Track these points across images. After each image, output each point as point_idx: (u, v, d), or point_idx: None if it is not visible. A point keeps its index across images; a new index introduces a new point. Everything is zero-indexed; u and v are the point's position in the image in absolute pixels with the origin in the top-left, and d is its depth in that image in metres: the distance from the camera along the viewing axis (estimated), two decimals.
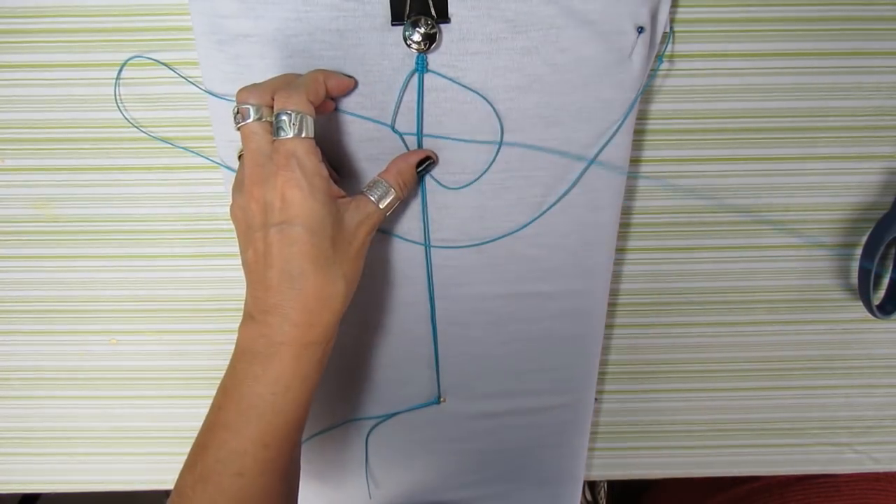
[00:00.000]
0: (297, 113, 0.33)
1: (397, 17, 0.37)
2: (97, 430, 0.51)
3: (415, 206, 0.42)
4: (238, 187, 0.35)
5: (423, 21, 0.37)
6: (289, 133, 0.33)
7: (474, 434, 0.49)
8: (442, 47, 0.38)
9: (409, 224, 0.42)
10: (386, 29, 0.38)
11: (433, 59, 0.38)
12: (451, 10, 0.37)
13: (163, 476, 0.53)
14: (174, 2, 0.40)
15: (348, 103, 0.39)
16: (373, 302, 0.44)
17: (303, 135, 0.33)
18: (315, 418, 0.48)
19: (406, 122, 0.40)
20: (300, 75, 0.36)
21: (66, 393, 0.50)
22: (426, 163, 0.40)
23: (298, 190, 0.33)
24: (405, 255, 0.43)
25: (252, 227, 0.34)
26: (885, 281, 0.48)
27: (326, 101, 0.37)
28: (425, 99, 0.39)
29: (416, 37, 0.37)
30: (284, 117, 0.33)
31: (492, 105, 0.39)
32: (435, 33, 0.37)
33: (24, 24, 0.41)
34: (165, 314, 0.48)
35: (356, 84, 0.38)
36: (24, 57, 0.41)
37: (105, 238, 0.46)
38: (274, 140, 0.34)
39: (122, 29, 0.41)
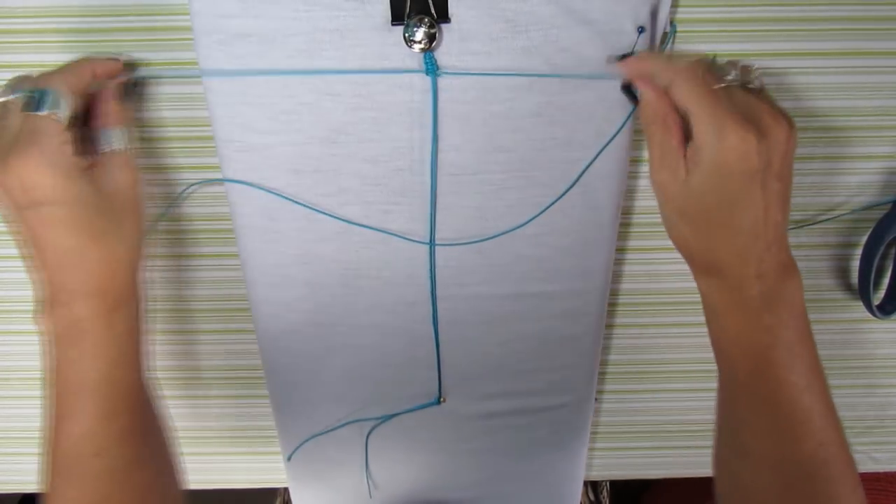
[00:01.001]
0: (52, 91, 0.33)
1: (397, 17, 0.37)
2: None
3: (416, 207, 0.42)
4: None
5: (423, 21, 0.37)
6: (41, 111, 0.32)
7: (474, 434, 0.49)
8: (442, 47, 0.38)
9: (410, 225, 0.42)
10: (386, 29, 0.38)
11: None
12: (451, 9, 0.37)
13: None
14: (174, 2, 0.40)
15: (350, 107, 0.39)
16: (373, 302, 0.44)
17: (51, 113, 0.32)
18: (315, 418, 0.48)
19: (405, 123, 0.40)
20: (74, 61, 0.36)
21: None
22: (125, 89, 0.38)
23: (43, 171, 0.31)
24: (406, 256, 0.43)
25: (8, 210, 0.33)
26: (885, 281, 0.48)
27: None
28: (424, 99, 0.39)
29: (417, 37, 0.37)
30: (37, 94, 0.32)
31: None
32: (435, 33, 0.37)
33: (25, 25, 0.41)
34: (165, 314, 0.48)
35: (122, 67, 0.38)
36: (24, 57, 0.41)
37: None
38: (22, 115, 0.33)
39: (122, 29, 0.41)
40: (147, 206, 0.36)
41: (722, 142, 0.31)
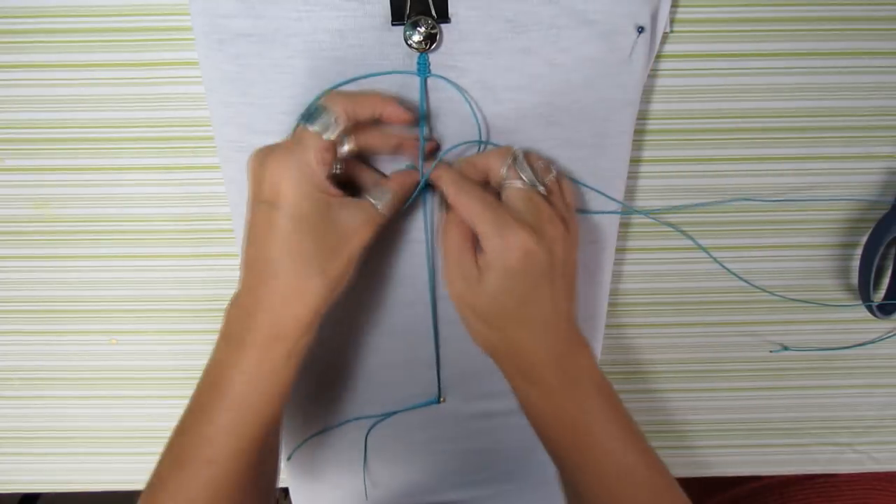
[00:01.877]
0: (330, 112, 0.34)
1: (397, 17, 0.37)
2: (97, 430, 0.51)
3: (416, 207, 0.42)
4: (256, 150, 0.35)
5: (423, 21, 0.37)
6: (312, 126, 0.34)
7: (474, 434, 0.49)
8: (442, 47, 0.38)
9: (410, 224, 0.42)
10: (386, 29, 0.38)
11: (433, 59, 0.38)
12: (451, 10, 0.37)
13: None
14: (174, 2, 0.40)
15: None
16: (373, 302, 0.44)
17: (324, 134, 0.34)
18: (315, 418, 0.48)
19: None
20: (370, 93, 0.37)
21: (66, 393, 0.50)
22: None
23: (287, 176, 0.33)
24: (406, 255, 0.43)
25: (251, 194, 0.34)
26: (886, 281, 0.48)
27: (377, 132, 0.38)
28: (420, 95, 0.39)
29: (417, 37, 0.37)
30: (318, 111, 0.34)
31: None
32: (435, 33, 0.37)
33: (24, 24, 0.41)
34: (165, 314, 0.48)
35: (411, 120, 0.38)
36: (24, 57, 0.41)
37: (105, 238, 0.46)
38: (296, 126, 0.34)
39: (122, 29, 0.41)
40: (357, 267, 0.36)
41: (506, 246, 0.34)
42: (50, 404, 0.51)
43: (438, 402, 0.47)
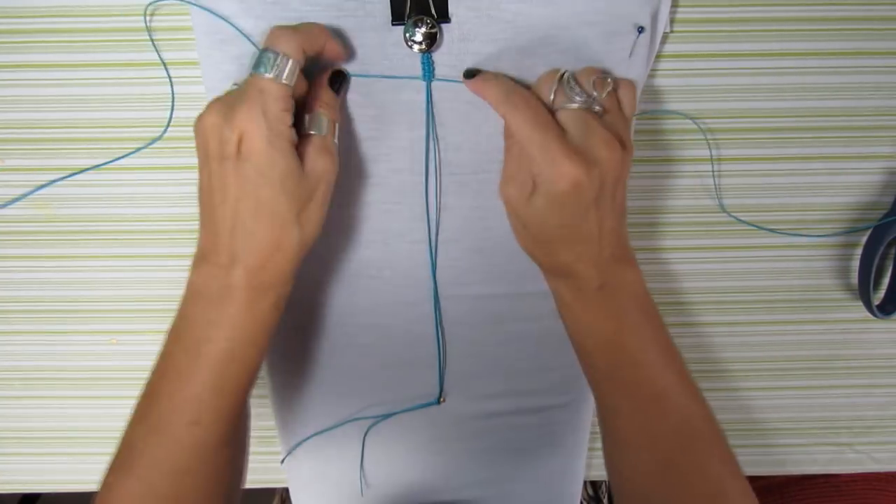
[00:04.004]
0: (284, 56, 0.33)
1: (398, 17, 0.37)
2: (97, 430, 0.51)
3: (416, 207, 0.42)
4: (211, 104, 0.34)
5: (423, 21, 0.37)
6: (267, 73, 0.32)
7: (474, 434, 0.49)
8: (443, 47, 0.38)
9: (410, 224, 0.42)
10: (386, 29, 0.38)
11: (433, 59, 0.38)
12: (451, 10, 0.37)
13: None
14: (175, 2, 0.40)
15: (350, 106, 0.39)
16: (373, 302, 0.44)
17: (280, 79, 0.33)
18: (315, 419, 0.48)
19: (405, 123, 0.40)
20: (312, 25, 0.35)
21: (66, 393, 0.50)
22: (339, 79, 0.38)
23: (258, 132, 0.32)
24: (406, 255, 0.43)
25: (209, 154, 0.33)
26: (885, 281, 0.48)
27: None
28: (424, 99, 0.39)
29: (417, 37, 0.37)
30: (270, 55, 0.33)
31: None
32: (435, 33, 0.37)
33: (24, 24, 0.41)
34: (165, 314, 0.48)
35: (347, 55, 0.38)
36: (24, 57, 0.41)
37: (105, 238, 0.46)
38: (250, 74, 0.33)
39: (122, 29, 0.41)
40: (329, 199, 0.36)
41: (553, 174, 0.33)
42: (50, 404, 0.50)
43: (439, 402, 0.47)
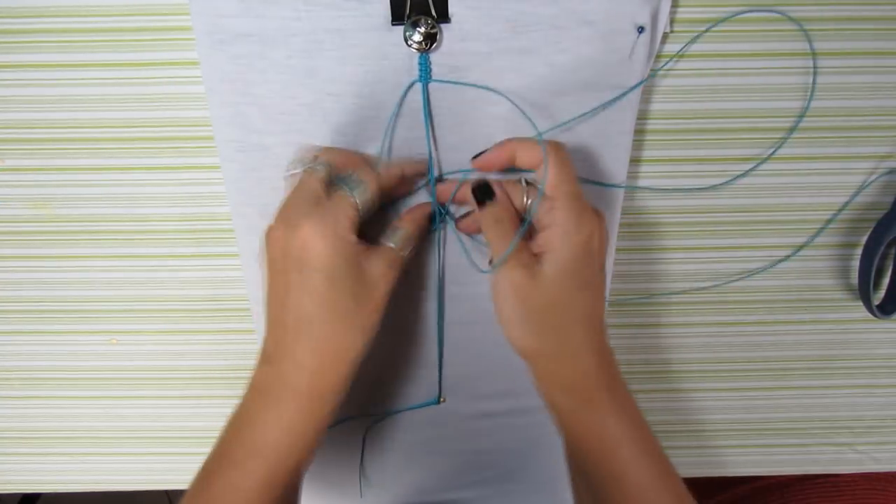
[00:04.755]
0: (361, 182, 0.35)
1: (397, 17, 0.37)
2: (97, 430, 0.51)
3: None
4: (276, 217, 0.35)
5: (423, 21, 0.37)
6: (346, 191, 0.35)
7: (474, 434, 0.49)
8: (443, 47, 0.38)
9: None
10: (386, 29, 0.38)
11: (433, 59, 0.38)
12: (451, 10, 0.37)
13: (163, 476, 0.53)
14: (174, 2, 0.40)
15: (349, 105, 0.39)
16: None
17: (353, 196, 0.35)
18: None
19: (405, 123, 0.40)
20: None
21: (66, 393, 0.50)
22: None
23: (321, 238, 0.33)
24: (414, 256, 0.43)
25: (275, 264, 0.35)
26: (885, 281, 0.48)
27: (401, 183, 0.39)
28: (423, 99, 0.39)
29: (417, 37, 0.37)
30: (348, 176, 0.35)
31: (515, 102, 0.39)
32: (435, 33, 0.37)
33: (24, 24, 0.41)
34: (165, 314, 0.48)
35: (428, 165, 0.40)
36: (24, 57, 0.41)
37: (105, 238, 0.46)
38: (337, 186, 0.35)
39: (122, 29, 0.41)
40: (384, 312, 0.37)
41: (580, 228, 0.34)
42: (50, 404, 0.51)
43: (438, 402, 0.47)
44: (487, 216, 0.37)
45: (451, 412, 0.48)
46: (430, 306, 0.44)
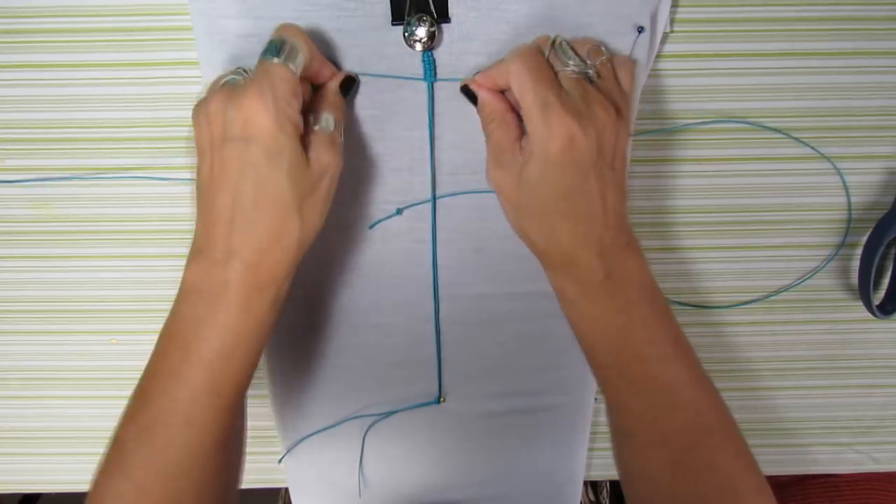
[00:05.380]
0: (293, 45, 0.33)
1: (397, 17, 0.37)
2: (97, 430, 0.51)
3: (417, 207, 0.42)
4: (210, 91, 0.34)
5: (423, 21, 0.37)
6: (276, 58, 0.32)
7: (474, 434, 0.49)
8: (443, 47, 0.38)
9: (411, 224, 0.42)
10: (386, 28, 0.38)
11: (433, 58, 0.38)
12: (451, 9, 0.37)
13: None
14: (174, 2, 0.40)
15: (351, 105, 0.39)
16: (373, 302, 0.44)
17: (289, 64, 0.32)
18: (315, 419, 0.48)
19: (405, 122, 0.40)
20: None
21: (66, 393, 0.50)
22: (349, 84, 0.38)
23: (264, 111, 0.31)
24: (407, 255, 0.43)
25: (213, 139, 0.33)
26: (886, 281, 0.48)
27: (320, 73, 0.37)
28: (424, 98, 0.39)
29: (417, 36, 0.37)
30: (279, 42, 0.32)
31: None
32: (435, 33, 0.37)
33: (24, 24, 0.41)
34: (165, 314, 0.48)
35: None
36: (24, 57, 0.41)
37: (105, 238, 0.46)
38: (259, 60, 0.33)
39: (122, 29, 0.41)
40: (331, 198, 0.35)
41: (549, 131, 0.32)
42: (50, 404, 0.50)
43: (439, 402, 0.47)
44: (481, 114, 0.37)
45: (451, 412, 0.48)
46: (429, 305, 0.44)
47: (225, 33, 0.38)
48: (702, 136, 0.44)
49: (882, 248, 0.44)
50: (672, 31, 0.41)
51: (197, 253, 0.34)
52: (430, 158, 0.40)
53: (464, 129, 0.40)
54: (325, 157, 0.34)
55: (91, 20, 0.41)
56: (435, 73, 0.38)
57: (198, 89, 0.42)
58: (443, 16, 0.37)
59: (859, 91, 0.43)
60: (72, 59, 0.41)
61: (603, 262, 0.34)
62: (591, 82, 0.34)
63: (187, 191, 0.44)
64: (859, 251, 0.46)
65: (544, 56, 0.35)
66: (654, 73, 0.42)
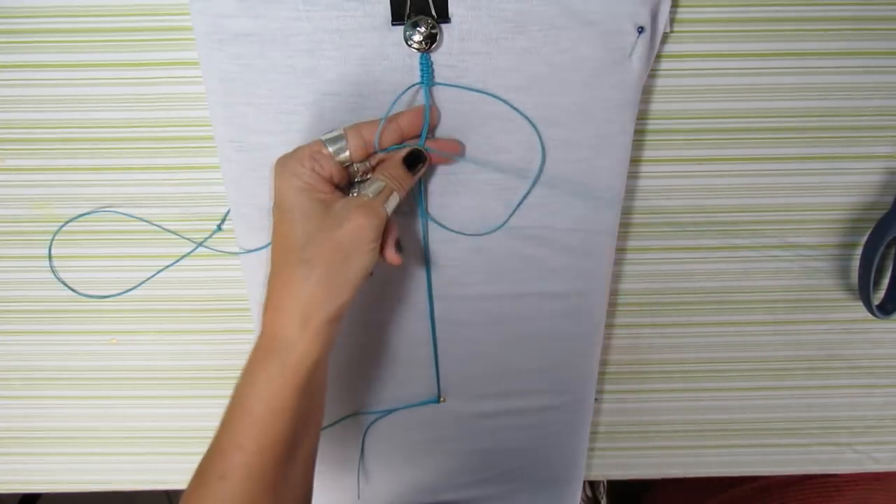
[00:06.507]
0: (337, 135, 0.36)
1: (397, 17, 0.37)
2: (97, 430, 0.51)
3: (415, 206, 0.42)
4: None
5: (423, 21, 0.37)
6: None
7: (474, 434, 0.49)
8: (443, 47, 0.38)
9: (409, 223, 0.42)
10: (386, 29, 0.38)
11: (433, 58, 0.38)
12: (451, 10, 0.37)
13: (163, 476, 0.53)
14: (174, 2, 0.40)
15: (351, 106, 0.39)
16: (373, 301, 0.44)
17: (326, 144, 0.35)
18: None
19: None
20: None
21: (66, 393, 0.50)
22: (417, 161, 0.38)
23: (282, 180, 0.35)
24: (406, 255, 0.43)
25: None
26: (885, 281, 0.48)
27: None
28: (422, 101, 0.39)
29: (417, 37, 0.37)
30: (338, 136, 0.36)
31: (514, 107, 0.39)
32: (435, 33, 0.37)
33: (24, 24, 0.41)
34: (165, 314, 0.48)
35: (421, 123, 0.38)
36: (24, 57, 0.41)
37: (105, 238, 0.46)
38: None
39: (122, 29, 0.41)
40: (371, 263, 0.35)
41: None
42: (50, 404, 0.51)
43: (438, 401, 0.47)
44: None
45: (450, 412, 0.48)
46: (428, 306, 0.44)
47: (225, 33, 0.38)
48: (702, 136, 0.44)
49: (882, 248, 0.44)
50: (672, 31, 0.41)
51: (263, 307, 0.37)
52: (426, 159, 0.40)
53: (463, 129, 0.40)
54: (353, 216, 0.34)
55: (91, 20, 0.41)
56: (433, 77, 0.38)
57: (198, 89, 0.42)
58: (443, 16, 0.37)
59: (859, 91, 0.43)
60: (72, 59, 0.41)
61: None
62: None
63: (187, 191, 0.44)
64: (859, 251, 0.46)
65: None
66: (654, 73, 0.42)
